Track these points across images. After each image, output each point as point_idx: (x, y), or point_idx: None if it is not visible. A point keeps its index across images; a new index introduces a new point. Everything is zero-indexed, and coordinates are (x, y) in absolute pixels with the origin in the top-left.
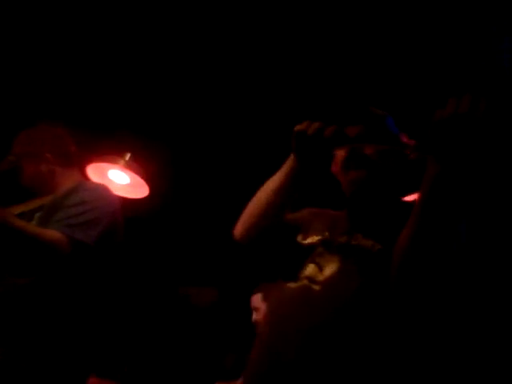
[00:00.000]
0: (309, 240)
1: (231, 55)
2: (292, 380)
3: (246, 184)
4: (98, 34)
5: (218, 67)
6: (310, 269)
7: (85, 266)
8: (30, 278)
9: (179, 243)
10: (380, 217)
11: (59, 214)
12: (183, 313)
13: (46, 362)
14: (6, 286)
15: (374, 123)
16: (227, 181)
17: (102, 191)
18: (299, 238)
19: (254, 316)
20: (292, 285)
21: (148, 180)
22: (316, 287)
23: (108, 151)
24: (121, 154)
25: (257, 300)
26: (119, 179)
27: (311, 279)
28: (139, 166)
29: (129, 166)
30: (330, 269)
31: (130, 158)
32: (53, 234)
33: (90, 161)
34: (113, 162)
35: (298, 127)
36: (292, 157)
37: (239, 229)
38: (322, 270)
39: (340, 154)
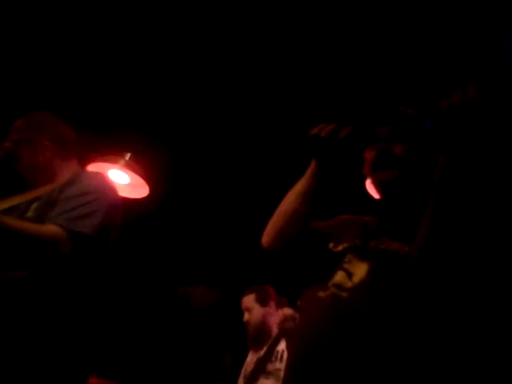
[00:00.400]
0: (340, 247)
1: (244, 57)
2: (320, 381)
3: (246, 185)
4: (99, 35)
5: (233, 69)
6: (339, 276)
7: (85, 258)
8: (28, 271)
9: (179, 243)
10: (410, 217)
11: (57, 207)
12: (183, 313)
13: (45, 359)
14: (4, 280)
15: (403, 123)
16: (228, 181)
17: (101, 181)
18: (331, 246)
19: (246, 316)
20: (321, 293)
21: (148, 180)
22: (344, 294)
23: (108, 151)
24: (121, 154)
25: (248, 300)
26: (119, 179)
27: (340, 286)
28: (139, 165)
29: (129, 166)
30: (358, 275)
31: (129, 157)
32: (51, 229)
33: (91, 160)
34: (113, 161)
35: (312, 131)
36: (313, 161)
37: (266, 237)
38: (351, 277)
39: (369, 155)
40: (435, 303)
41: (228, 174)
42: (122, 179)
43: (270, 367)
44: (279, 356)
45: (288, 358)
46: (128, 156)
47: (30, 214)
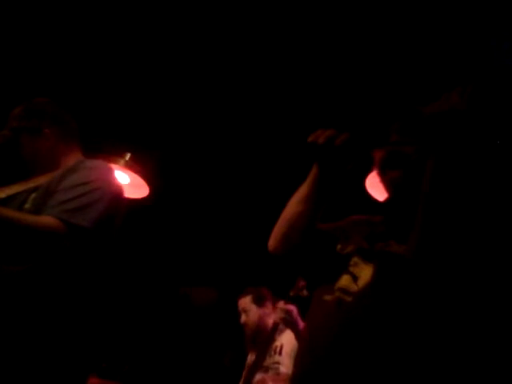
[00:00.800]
0: (347, 249)
1: (245, 62)
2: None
3: (248, 186)
4: (100, 35)
5: (235, 74)
6: (344, 280)
7: (83, 251)
8: (25, 265)
9: (179, 243)
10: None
11: (56, 197)
12: (183, 313)
13: (44, 359)
14: (0, 275)
15: (415, 121)
16: (229, 181)
17: (102, 170)
18: (338, 248)
19: (243, 318)
20: (327, 297)
21: (148, 180)
22: (348, 298)
23: (108, 151)
24: (121, 154)
25: (244, 302)
26: (119, 179)
27: (344, 290)
28: (139, 166)
29: (129, 166)
30: (363, 279)
31: (130, 158)
32: (48, 220)
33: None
34: (113, 161)
35: (309, 137)
36: (314, 165)
37: (272, 242)
38: (356, 281)
39: (378, 154)
40: (433, 306)
41: (228, 176)
42: (122, 179)
43: (268, 362)
44: (278, 350)
45: (294, 363)
46: (128, 156)
47: (27, 205)
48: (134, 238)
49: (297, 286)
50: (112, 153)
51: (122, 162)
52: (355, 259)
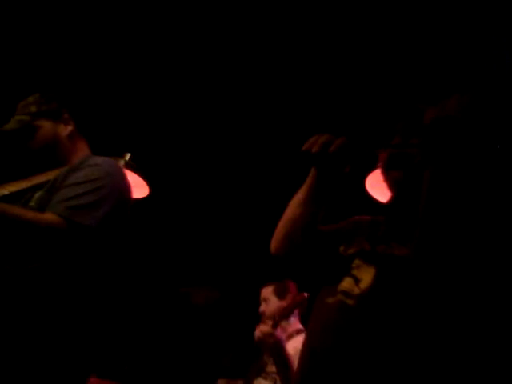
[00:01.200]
0: (349, 251)
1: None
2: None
3: (247, 187)
4: (100, 36)
5: (236, 77)
6: (346, 282)
7: (87, 250)
8: (27, 266)
9: (180, 243)
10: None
11: (61, 193)
12: (183, 312)
13: (44, 359)
14: (3, 275)
15: (419, 121)
16: (229, 182)
17: (109, 167)
18: (341, 249)
19: (262, 306)
20: (330, 299)
21: (148, 180)
22: (350, 301)
23: (108, 151)
24: (121, 154)
25: (266, 291)
26: (129, 177)
27: (346, 293)
28: (139, 166)
29: (129, 166)
30: (365, 281)
31: (130, 158)
32: (47, 217)
33: None
34: None
35: (304, 146)
36: (313, 168)
37: (273, 244)
38: (358, 283)
39: (382, 155)
40: (434, 309)
41: (229, 176)
42: None
43: (270, 369)
44: None
45: (297, 366)
46: (128, 156)
47: (32, 203)
48: (134, 238)
49: (299, 303)
50: (112, 153)
51: (122, 162)
52: (357, 261)
